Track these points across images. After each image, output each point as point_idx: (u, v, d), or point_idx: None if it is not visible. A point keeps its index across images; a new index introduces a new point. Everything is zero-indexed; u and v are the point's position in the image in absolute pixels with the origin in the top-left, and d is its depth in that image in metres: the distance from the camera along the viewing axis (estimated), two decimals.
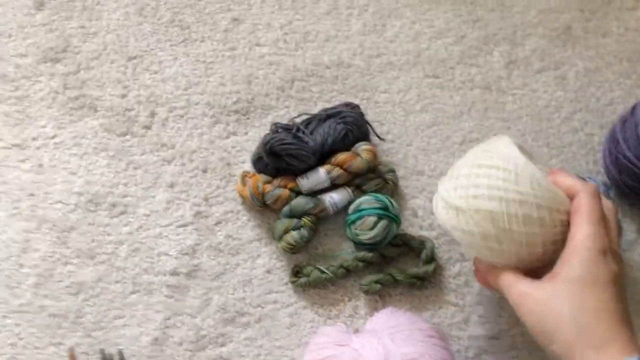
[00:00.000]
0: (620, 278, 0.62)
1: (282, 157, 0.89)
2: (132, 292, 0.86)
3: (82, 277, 0.87)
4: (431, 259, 0.87)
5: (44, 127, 0.96)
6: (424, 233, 0.92)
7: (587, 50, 1.08)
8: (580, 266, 0.61)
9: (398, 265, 0.89)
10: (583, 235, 0.62)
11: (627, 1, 1.13)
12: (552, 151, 0.99)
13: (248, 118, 0.99)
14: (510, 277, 0.68)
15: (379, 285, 0.86)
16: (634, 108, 0.91)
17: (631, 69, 1.06)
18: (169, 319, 0.85)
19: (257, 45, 1.05)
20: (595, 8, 1.12)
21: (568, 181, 0.67)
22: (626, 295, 0.64)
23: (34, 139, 0.95)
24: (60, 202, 0.91)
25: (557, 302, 0.62)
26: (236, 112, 0.99)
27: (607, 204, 0.68)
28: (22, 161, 0.94)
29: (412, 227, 0.92)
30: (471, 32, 1.08)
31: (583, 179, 0.85)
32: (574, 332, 0.60)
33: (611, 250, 0.63)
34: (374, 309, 0.86)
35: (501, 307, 0.87)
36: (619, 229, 0.85)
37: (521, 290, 0.65)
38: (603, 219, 0.65)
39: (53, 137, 0.96)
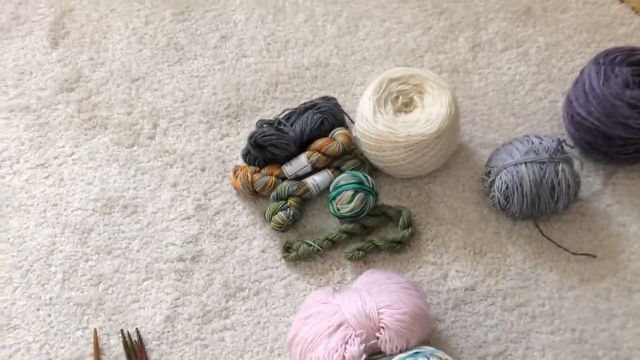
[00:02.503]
0: None
1: (266, 147, 0.99)
2: (145, 279, 0.97)
3: (102, 270, 0.98)
4: (408, 224, 0.96)
5: (62, 147, 1.10)
6: (402, 204, 1.00)
7: (547, 26, 1.16)
8: None
9: (379, 234, 0.98)
10: None
11: None
12: (518, 120, 1.07)
13: (239, 120, 1.11)
14: None
15: (361, 252, 0.95)
16: (583, 70, 0.98)
17: (590, 39, 1.14)
18: (178, 299, 0.96)
19: (244, 56, 1.18)
20: None
21: None
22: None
23: (55, 158, 1.09)
24: (79, 209, 1.04)
25: None
26: (227, 116, 1.11)
27: None
28: (46, 177, 1.07)
29: (390, 200, 1.01)
30: (437, 23, 1.18)
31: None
32: None
33: None
34: (359, 274, 0.94)
35: (476, 261, 0.95)
36: (577, 184, 0.92)
37: None
38: None
39: (71, 155, 1.09)
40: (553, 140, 0.92)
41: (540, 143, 0.92)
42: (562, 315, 0.90)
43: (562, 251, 0.95)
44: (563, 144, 0.92)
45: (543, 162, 0.90)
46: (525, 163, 0.90)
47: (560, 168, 0.90)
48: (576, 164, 0.94)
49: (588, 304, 0.91)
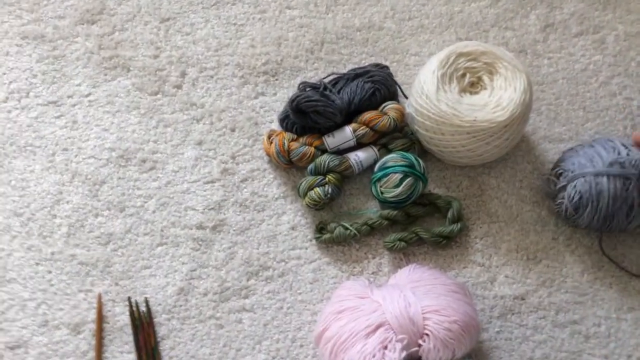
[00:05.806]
0: None
1: (308, 114, 0.88)
2: (160, 244, 0.88)
3: (112, 229, 0.89)
4: (457, 218, 0.86)
5: (79, 85, 0.99)
6: (452, 194, 0.90)
7: (628, 14, 1.04)
8: None
9: (423, 225, 0.88)
10: None
11: None
12: (588, 115, 0.96)
13: (277, 79, 0.99)
14: None
15: (403, 243, 0.85)
16: None
17: None
18: (194, 270, 0.86)
19: (288, 8, 1.05)
20: None
21: None
22: None
23: (69, 96, 0.98)
24: (92, 157, 0.93)
25: None
26: (265, 73, 1.00)
27: None
28: (58, 117, 0.96)
29: (438, 188, 0.91)
30: None
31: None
32: None
33: None
34: (397, 267, 0.85)
35: (529, 268, 0.85)
36: None
37: None
38: None
39: (87, 95, 0.98)
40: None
41: (628, 154, 0.81)
42: (618, 338, 0.81)
43: None
44: None
45: (628, 178, 0.79)
46: (608, 176, 0.79)
47: None
48: None
49: None
